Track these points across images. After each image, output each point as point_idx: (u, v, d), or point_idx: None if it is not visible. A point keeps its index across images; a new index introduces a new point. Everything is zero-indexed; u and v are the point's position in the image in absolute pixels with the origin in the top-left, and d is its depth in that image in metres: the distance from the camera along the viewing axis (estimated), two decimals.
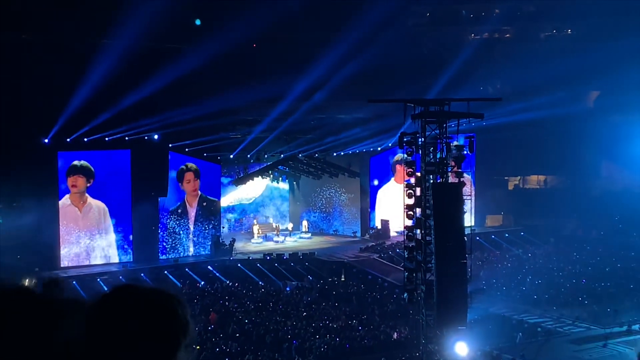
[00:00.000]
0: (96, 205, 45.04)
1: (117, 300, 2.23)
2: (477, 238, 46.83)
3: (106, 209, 45.26)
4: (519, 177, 64.29)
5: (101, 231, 45.28)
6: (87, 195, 44.78)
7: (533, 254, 51.10)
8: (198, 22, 44.54)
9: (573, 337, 36.32)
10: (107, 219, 45.38)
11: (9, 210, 41.00)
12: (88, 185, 44.63)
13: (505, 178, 63.51)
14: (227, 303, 39.04)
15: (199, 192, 49.19)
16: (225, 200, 55.34)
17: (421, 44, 50.82)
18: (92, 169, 44.69)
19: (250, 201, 59.98)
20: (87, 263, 44.55)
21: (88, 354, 2.15)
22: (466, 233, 24.39)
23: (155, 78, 41.30)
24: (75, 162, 44.25)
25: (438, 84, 46.92)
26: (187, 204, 48.67)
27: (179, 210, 48.27)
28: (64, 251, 44.08)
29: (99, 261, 45.08)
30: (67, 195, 44.22)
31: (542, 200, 57.56)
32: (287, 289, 42.93)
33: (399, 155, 56.08)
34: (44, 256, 42.09)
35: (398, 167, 56.64)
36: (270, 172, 57.00)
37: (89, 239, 44.87)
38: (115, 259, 45.63)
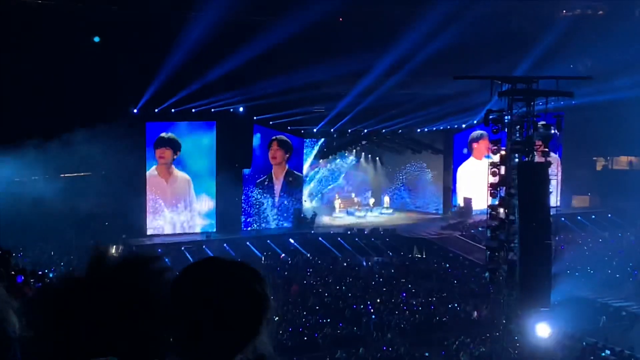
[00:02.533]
0: (182, 176, 45.97)
1: (201, 273, 2.27)
2: (563, 219, 45.90)
3: (191, 180, 46.14)
4: (607, 158, 62.72)
5: (186, 202, 46.22)
6: (173, 166, 45.71)
7: (620, 236, 49.90)
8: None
9: None
10: (192, 190, 46.25)
11: (98, 178, 42.02)
12: (175, 157, 45.56)
13: (594, 158, 62.04)
14: (307, 275, 39.40)
15: (286, 166, 49.63)
16: (308, 174, 55.66)
17: (510, 19, 49.74)
18: (179, 141, 45.58)
19: (334, 175, 60.15)
20: (172, 232, 45.56)
21: (170, 322, 2.19)
22: (551, 213, 23.99)
23: (241, 51, 41.59)
24: (163, 134, 45.22)
25: (526, 61, 45.98)
26: (273, 176, 49.19)
27: (265, 182, 48.85)
28: (150, 220, 45.18)
29: (184, 230, 46.07)
30: (154, 167, 45.27)
31: (631, 181, 55.87)
32: (367, 263, 43.04)
33: (476, 132, 55.58)
34: (131, 224, 43.17)
35: (475, 144, 56.11)
36: (353, 146, 57.02)
37: (174, 209, 45.86)
38: (199, 229, 46.52)
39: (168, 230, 45.73)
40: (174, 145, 45.60)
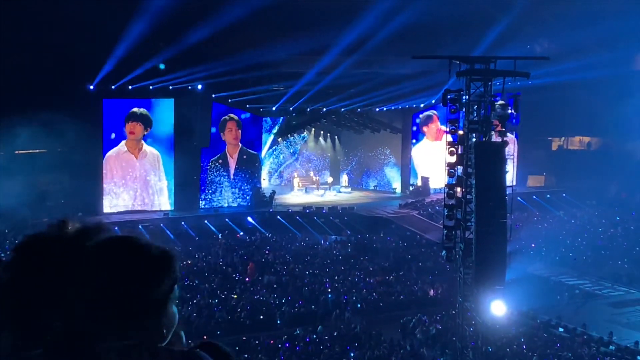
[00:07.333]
0: (151, 152, 45.63)
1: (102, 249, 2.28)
2: (518, 198, 46.48)
3: (160, 156, 45.79)
4: (562, 138, 63.53)
5: (157, 177, 45.91)
6: (143, 142, 45.37)
7: (574, 215, 50.67)
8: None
9: (612, 300, 36.15)
10: (162, 166, 45.95)
11: (54, 155, 41.45)
12: (145, 133, 45.20)
13: (549, 138, 62.81)
14: (265, 254, 39.41)
15: (240, 145, 49.34)
16: (266, 152, 55.54)
17: None
18: (151, 118, 45.21)
19: (292, 154, 60.15)
20: (132, 209, 45.15)
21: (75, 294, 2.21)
22: (507, 193, 24.22)
23: (200, 27, 41.12)
24: (135, 110, 44.93)
25: (484, 41, 46.18)
26: (227, 154, 48.90)
27: (220, 161, 48.53)
28: (111, 198, 44.79)
29: (150, 208, 45.83)
30: (123, 142, 44.84)
31: (586, 162, 56.78)
32: (326, 242, 43.17)
33: (423, 115, 56.18)
34: (88, 202, 42.69)
35: (424, 128, 56.70)
36: (312, 125, 56.94)
37: (143, 186, 45.55)
38: (165, 206, 46.18)
39: (131, 207, 45.34)
40: (146, 121, 45.24)
